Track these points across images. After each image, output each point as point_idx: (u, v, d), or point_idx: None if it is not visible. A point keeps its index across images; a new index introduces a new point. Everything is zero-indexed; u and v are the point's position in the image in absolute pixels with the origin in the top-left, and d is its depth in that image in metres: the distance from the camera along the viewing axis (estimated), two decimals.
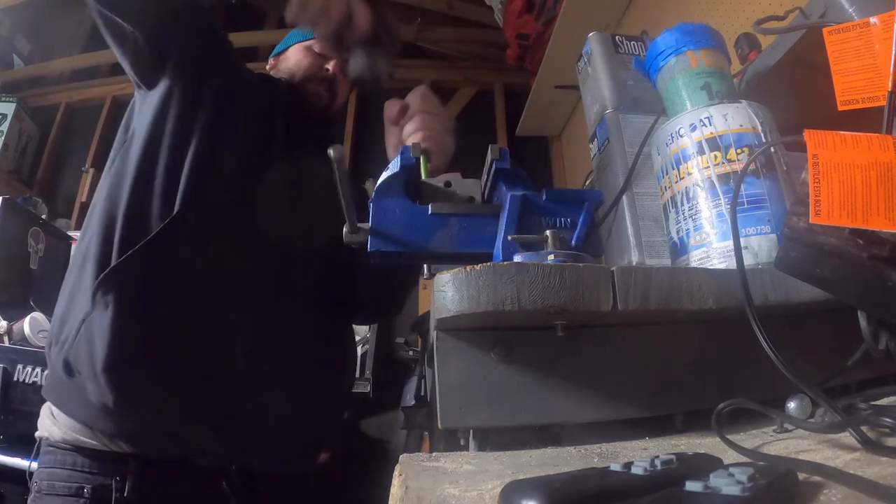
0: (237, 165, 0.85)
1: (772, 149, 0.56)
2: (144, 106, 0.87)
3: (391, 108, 0.76)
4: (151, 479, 0.73)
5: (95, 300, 0.71)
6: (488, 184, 0.59)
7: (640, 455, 0.40)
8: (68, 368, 0.72)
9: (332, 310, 0.94)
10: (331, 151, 0.49)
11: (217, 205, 0.81)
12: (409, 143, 0.71)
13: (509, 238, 0.51)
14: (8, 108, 2.62)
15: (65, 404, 0.74)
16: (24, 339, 1.40)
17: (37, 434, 0.77)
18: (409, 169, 0.58)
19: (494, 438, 0.45)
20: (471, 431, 0.45)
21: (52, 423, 0.75)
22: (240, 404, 0.76)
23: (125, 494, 0.70)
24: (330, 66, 1.01)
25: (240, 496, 0.79)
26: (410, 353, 1.60)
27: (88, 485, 0.70)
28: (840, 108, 0.46)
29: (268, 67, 1.09)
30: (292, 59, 1.04)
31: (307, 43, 1.03)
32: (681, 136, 0.59)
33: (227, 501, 0.78)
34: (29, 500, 0.74)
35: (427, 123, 0.74)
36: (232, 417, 0.75)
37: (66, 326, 0.75)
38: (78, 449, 0.72)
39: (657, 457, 0.29)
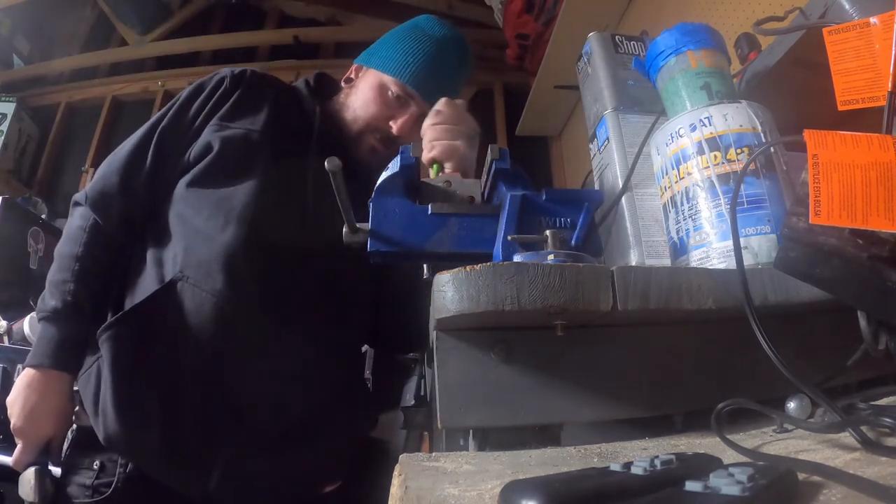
0: (247, 236, 0.80)
1: (772, 149, 0.56)
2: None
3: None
4: None
5: (101, 347, 0.76)
6: (488, 184, 0.59)
7: (639, 455, 0.40)
8: (77, 392, 0.81)
9: (336, 361, 0.88)
10: (327, 163, 0.50)
11: (214, 273, 0.78)
12: (424, 157, 0.73)
13: (509, 238, 0.51)
14: (8, 107, 2.62)
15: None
16: (23, 339, 1.40)
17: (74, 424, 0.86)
18: (408, 169, 0.58)
19: (494, 438, 0.45)
20: (471, 431, 0.45)
21: (81, 412, 0.82)
22: (211, 456, 0.77)
23: (127, 471, 0.76)
24: (396, 125, 0.89)
25: None
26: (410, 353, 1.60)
27: (99, 459, 0.77)
28: (840, 108, 0.46)
29: (346, 80, 0.97)
30: (363, 94, 0.91)
31: (385, 80, 0.90)
32: (681, 136, 0.59)
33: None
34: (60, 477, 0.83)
35: (436, 135, 0.75)
36: (209, 468, 0.76)
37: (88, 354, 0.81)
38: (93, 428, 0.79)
39: (657, 457, 0.29)
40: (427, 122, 0.77)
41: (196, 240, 0.80)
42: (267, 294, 0.79)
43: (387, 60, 0.91)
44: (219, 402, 0.77)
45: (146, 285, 0.80)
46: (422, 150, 0.73)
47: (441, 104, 0.78)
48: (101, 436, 0.75)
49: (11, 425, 0.79)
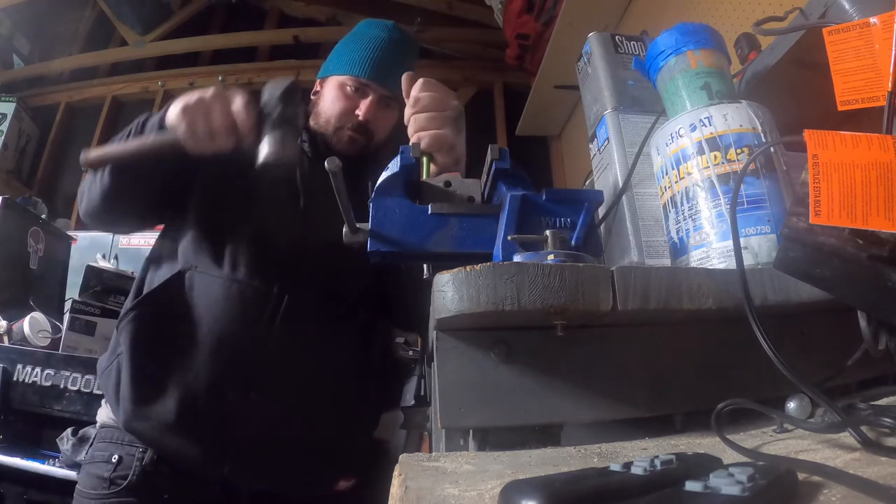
0: (235, 217, 0.90)
1: (772, 149, 0.56)
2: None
3: (405, 85, 0.77)
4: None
5: (120, 339, 0.84)
6: (488, 184, 0.59)
7: (639, 455, 0.40)
8: (100, 388, 0.89)
9: (347, 336, 0.93)
10: (327, 164, 0.51)
11: (215, 255, 0.88)
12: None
13: (509, 238, 0.51)
14: (8, 107, 2.62)
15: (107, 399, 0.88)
16: (23, 339, 1.40)
17: (96, 426, 0.91)
18: (408, 169, 0.58)
19: (494, 438, 0.45)
20: (470, 431, 0.45)
21: (103, 410, 0.89)
22: (227, 431, 0.81)
23: (143, 463, 0.81)
24: (361, 111, 0.99)
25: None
26: (410, 352, 1.61)
27: (117, 453, 0.82)
28: (840, 108, 0.46)
29: (313, 93, 1.08)
30: (328, 97, 1.02)
31: (340, 79, 1.02)
32: (681, 136, 0.59)
33: (238, 490, 0.84)
34: (79, 473, 0.89)
35: (419, 125, 0.74)
36: (219, 444, 0.81)
37: (108, 356, 0.89)
38: (116, 426, 0.84)
39: (657, 457, 0.29)
40: (408, 111, 0.76)
41: (204, 235, 0.89)
42: (271, 274, 0.87)
43: (339, 65, 1.04)
44: (231, 375, 0.82)
45: (162, 274, 0.89)
46: (421, 153, 0.72)
47: (418, 88, 0.75)
48: (121, 421, 0.80)
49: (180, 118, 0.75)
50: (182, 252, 0.89)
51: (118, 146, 0.81)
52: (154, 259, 0.94)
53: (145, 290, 0.89)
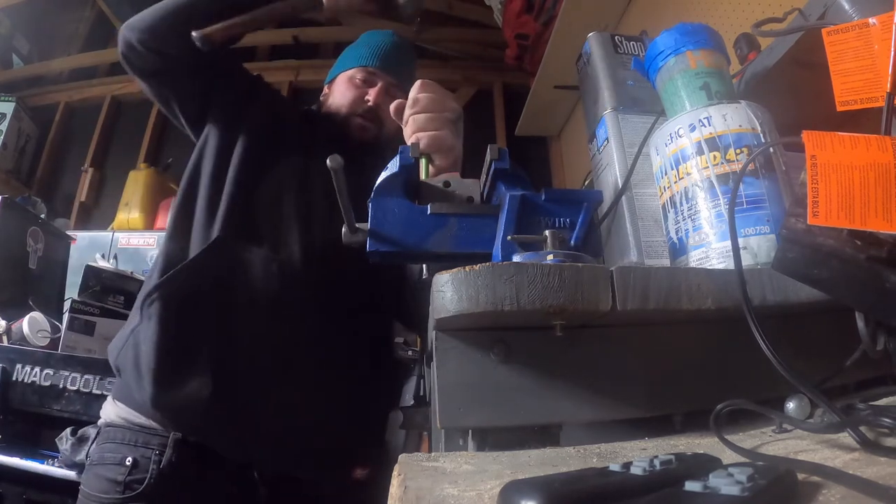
0: (273, 197, 0.92)
1: (771, 149, 0.56)
2: (193, 152, 0.99)
3: (396, 110, 0.78)
4: (186, 457, 0.80)
5: (143, 313, 0.82)
6: (487, 184, 0.59)
7: (639, 455, 0.40)
8: (118, 370, 0.85)
9: (369, 329, 0.95)
10: (329, 161, 0.50)
11: (253, 231, 0.89)
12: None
13: (508, 238, 0.51)
14: (7, 107, 2.62)
15: (119, 395, 0.86)
16: (23, 339, 1.40)
17: (99, 422, 0.88)
18: (408, 169, 0.58)
19: (493, 438, 0.45)
20: (470, 431, 0.45)
21: (110, 408, 0.86)
22: (260, 410, 0.81)
23: (160, 466, 0.78)
24: (371, 96, 1.03)
25: (268, 490, 0.85)
26: (410, 352, 1.60)
27: (131, 455, 0.79)
28: (839, 108, 0.46)
29: (322, 96, 1.12)
30: (337, 91, 1.07)
31: (349, 73, 1.07)
32: (680, 137, 0.59)
33: (255, 491, 0.84)
34: (83, 474, 0.85)
35: (418, 126, 0.73)
36: (252, 423, 0.81)
37: (120, 337, 0.87)
38: (128, 426, 0.81)
39: (656, 457, 0.29)
40: (407, 112, 0.75)
41: (243, 211, 0.89)
42: (309, 253, 0.88)
43: (346, 62, 1.09)
44: (267, 351, 0.82)
45: (195, 244, 0.87)
46: (420, 154, 0.72)
47: (416, 89, 0.75)
48: (147, 396, 0.77)
49: None
50: (217, 227, 0.87)
51: (240, 19, 0.84)
52: (181, 236, 0.91)
53: (175, 258, 0.86)
